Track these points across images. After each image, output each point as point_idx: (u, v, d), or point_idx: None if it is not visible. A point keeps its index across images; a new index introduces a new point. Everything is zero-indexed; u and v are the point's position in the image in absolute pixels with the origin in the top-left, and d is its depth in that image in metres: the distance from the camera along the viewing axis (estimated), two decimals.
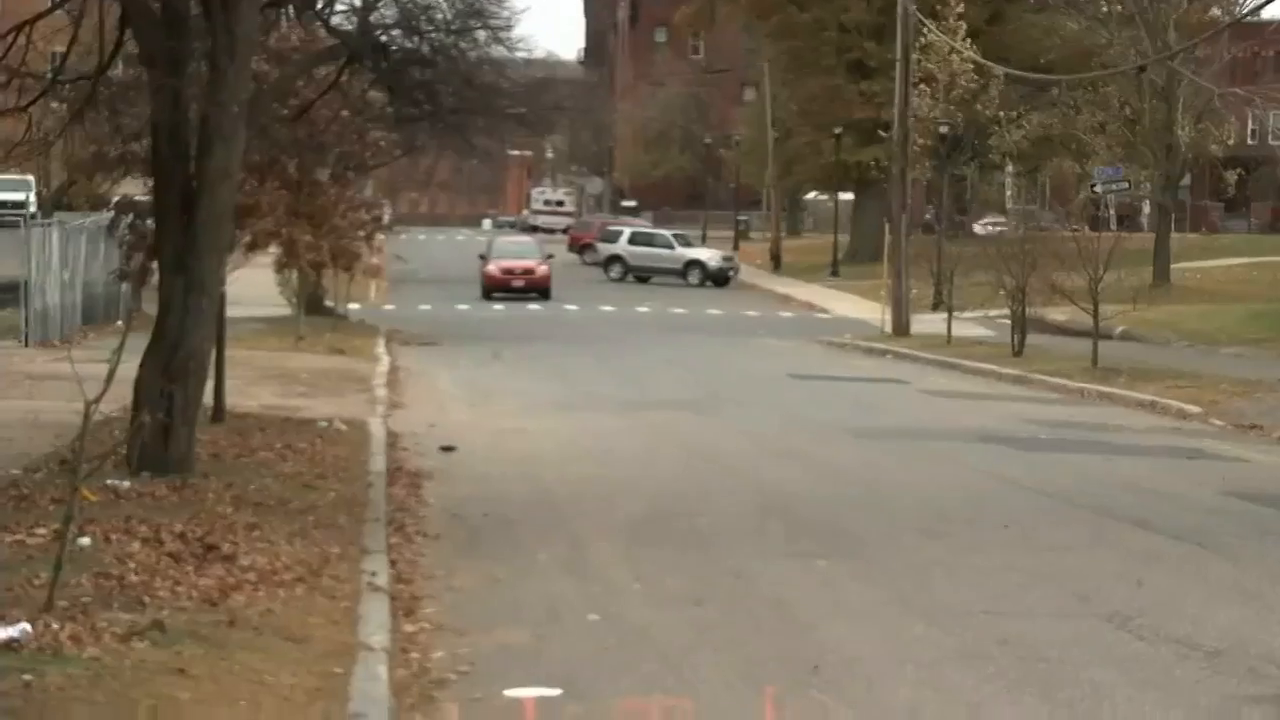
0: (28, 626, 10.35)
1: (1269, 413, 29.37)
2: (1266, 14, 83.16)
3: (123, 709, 8.93)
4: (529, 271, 68.81)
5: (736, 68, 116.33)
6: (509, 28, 25.02)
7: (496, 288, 68.13)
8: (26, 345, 34.67)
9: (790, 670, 11.22)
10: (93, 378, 11.92)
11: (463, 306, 63.07)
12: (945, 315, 48.71)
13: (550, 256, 72.68)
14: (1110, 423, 29.21)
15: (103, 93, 20.60)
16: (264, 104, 21.12)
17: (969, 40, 62.60)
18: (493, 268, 68.95)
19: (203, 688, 9.43)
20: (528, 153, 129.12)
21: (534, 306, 65.16)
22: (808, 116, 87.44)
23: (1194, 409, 30.53)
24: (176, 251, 18.04)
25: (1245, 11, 64.62)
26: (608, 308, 64.57)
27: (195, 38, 18.03)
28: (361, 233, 30.95)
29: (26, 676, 9.43)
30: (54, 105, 24.92)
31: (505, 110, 26.46)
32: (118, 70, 20.90)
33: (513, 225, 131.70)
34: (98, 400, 11.60)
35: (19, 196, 59.41)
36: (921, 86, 59.07)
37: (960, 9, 63.32)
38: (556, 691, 10.52)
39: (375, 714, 9.24)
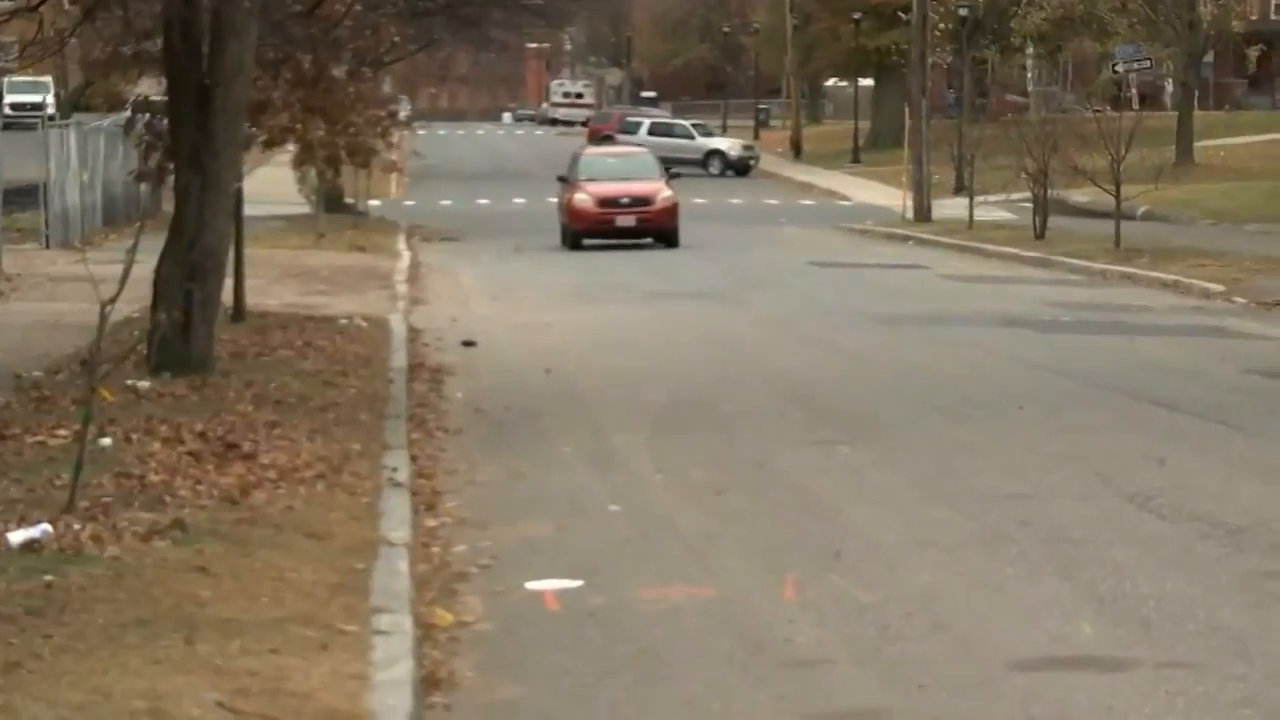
0: (49, 527, 10.38)
1: None
2: None
3: (144, 607, 8.92)
4: (644, 202, 43.57)
5: None
6: None
7: (590, 229, 43.33)
8: (47, 247, 34.71)
9: (812, 556, 11.23)
10: (112, 278, 11.90)
11: (483, 201, 62.78)
12: (967, 200, 48.50)
13: (673, 174, 47.55)
14: (1133, 303, 29.14)
15: None
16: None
17: None
18: (583, 198, 43.31)
19: (224, 585, 9.44)
20: (545, 45, 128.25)
21: (554, 200, 64.03)
22: (827, 1, 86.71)
23: (1217, 288, 30.43)
24: (192, 149, 18.01)
25: None
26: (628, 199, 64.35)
27: None
28: (378, 129, 30.80)
29: (48, 577, 9.44)
30: (67, 5, 24.81)
31: (521, 0, 26.17)
32: None
33: (532, 118, 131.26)
34: (113, 300, 11.59)
35: (37, 98, 58.93)
36: None
37: None
38: (578, 583, 10.54)
39: (396, 608, 9.23)
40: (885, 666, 8.87)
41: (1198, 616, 9.74)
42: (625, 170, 45.94)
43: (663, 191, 43.97)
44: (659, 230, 43.34)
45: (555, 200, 46.51)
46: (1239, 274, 31.92)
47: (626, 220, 43.22)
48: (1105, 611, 9.89)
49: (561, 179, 45.26)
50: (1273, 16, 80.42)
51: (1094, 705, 8.19)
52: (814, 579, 10.63)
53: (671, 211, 43.50)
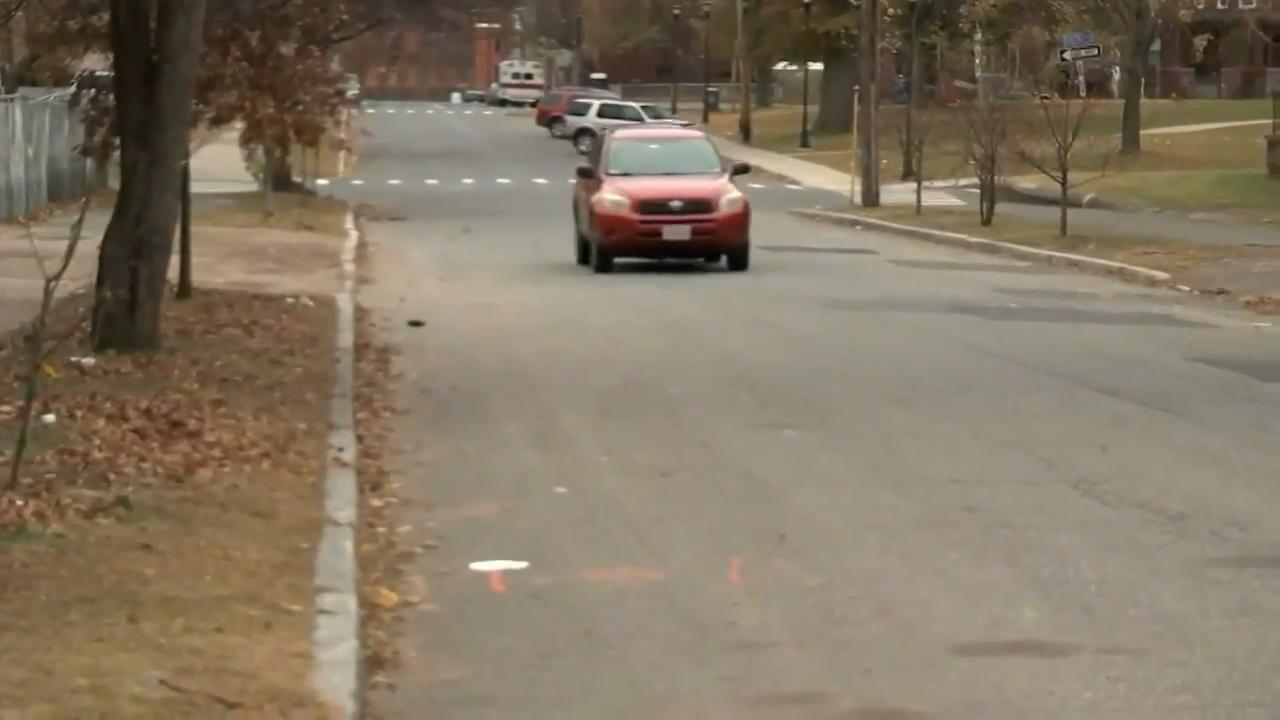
0: None
1: (1236, 278, 29.43)
2: None
3: (88, 584, 8.90)
4: (701, 206, 31.88)
5: None
6: None
7: (626, 244, 31.93)
8: None
9: (757, 540, 11.26)
10: (57, 254, 11.83)
11: (432, 181, 62.62)
12: (915, 185, 48.56)
13: (742, 169, 37.09)
14: (1079, 290, 29.26)
15: None
16: None
17: None
18: (616, 200, 31.64)
19: (168, 563, 9.42)
20: (495, 25, 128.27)
21: (540, 180, 63.71)
22: None
23: (1162, 275, 30.58)
24: (138, 125, 17.92)
25: None
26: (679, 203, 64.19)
27: None
28: (326, 107, 30.70)
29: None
30: None
31: None
32: None
33: (481, 99, 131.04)
34: (58, 276, 11.52)
35: None
36: None
37: None
38: (524, 564, 10.55)
39: (341, 588, 9.24)
40: (829, 650, 8.90)
41: (1139, 602, 9.80)
42: (673, 160, 33.45)
43: (727, 191, 31.44)
44: (724, 245, 31.42)
45: (573, 200, 33.87)
46: (1184, 262, 32.08)
47: (677, 232, 30.67)
48: (1047, 596, 9.93)
49: (583, 172, 33.15)
50: (1220, 5, 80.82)
51: (1035, 689, 8.23)
52: (759, 562, 10.66)
53: (740, 220, 31.27)
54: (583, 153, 79.23)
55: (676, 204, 31.06)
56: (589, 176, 32.48)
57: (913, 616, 9.50)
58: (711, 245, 31.69)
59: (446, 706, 7.98)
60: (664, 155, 34.04)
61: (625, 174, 31.88)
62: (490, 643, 8.96)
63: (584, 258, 32.21)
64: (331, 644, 8.18)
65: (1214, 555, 10.95)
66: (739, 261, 31.55)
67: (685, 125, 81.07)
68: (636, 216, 30.76)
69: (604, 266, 30.94)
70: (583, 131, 79.97)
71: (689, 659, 8.72)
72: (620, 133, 37.62)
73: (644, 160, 33.24)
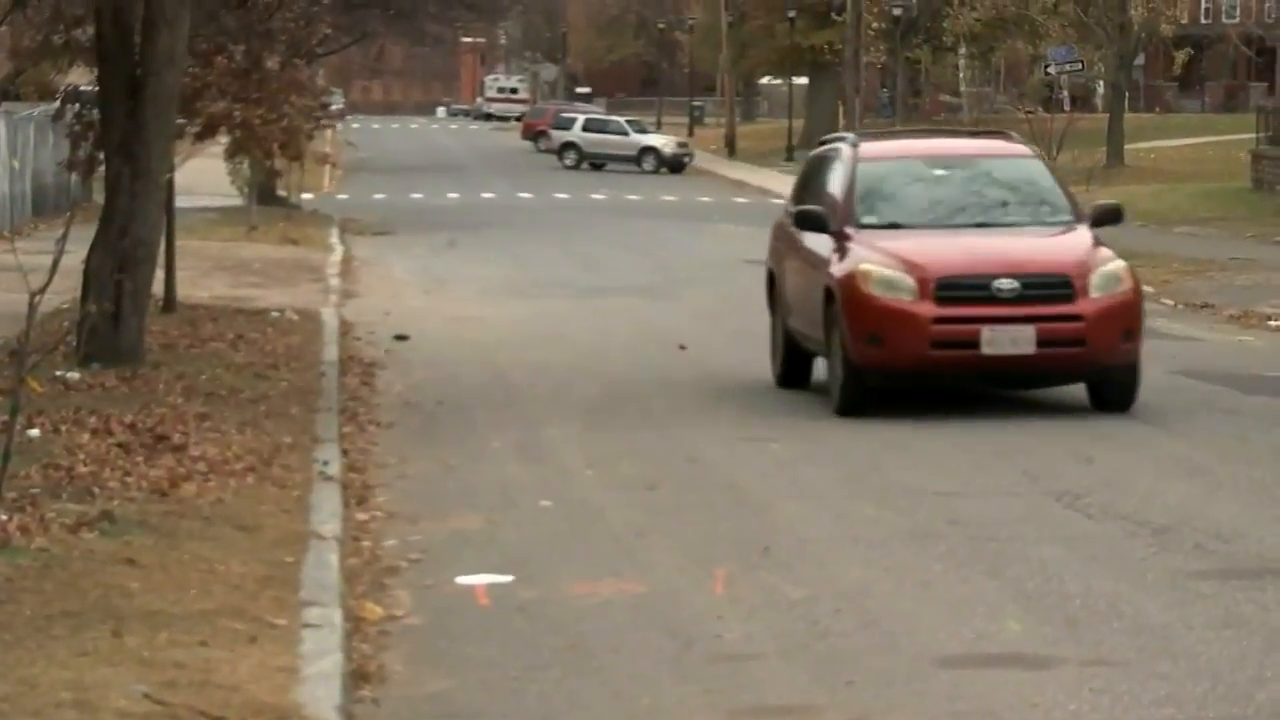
0: None
1: (1220, 291, 29.50)
2: None
3: (72, 598, 8.89)
4: (1054, 290, 17.29)
5: None
6: None
7: (914, 361, 17.16)
8: None
9: (742, 552, 11.27)
10: (41, 268, 11.77)
11: (417, 195, 62.63)
12: None
13: (1111, 215, 19.05)
14: None
15: None
16: None
17: None
18: (886, 274, 17.15)
19: (152, 577, 9.41)
20: (480, 39, 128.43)
21: (525, 194, 63.76)
22: (762, 4, 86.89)
23: (1146, 289, 30.58)
24: (123, 139, 17.93)
25: None
26: (562, 195, 64.32)
27: None
28: (311, 121, 30.76)
29: None
30: None
31: None
32: None
33: (467, 113, 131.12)
34: (43, 290, 11.49)
35: None
36: None
37: None
38: (509, 578, 10.55)
39: (326, 601, 9.23)
40: (813, 662, 8.90)
41: (1123, 614, 9.81)
42: (982, 197, 19.28)
43: (1099, 259, 17.81)
44: (1099, 363, 17.41)
45: (770, 268, 20.60)
46: (1168, 275, 32.16)
47: (1011, 338, 17.13)
48: (1032, 609, 9.94)
49: (804, 219, 18.66)
50: (1203, 20, 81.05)
51: (1019, 702, 8.23)
52: (743, 574, 10.67)
53: (1127, 314, 17.62)
54: (563, 159, 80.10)
55: (1006, 285, 16.94)
56: (813, 226, 18.07)
57: (897, 629, 9.51)
58: (1077, 364, 17.28)
59: (434, 717, 7.98)
60: (965, 189, 19.13)
61: (893, 225, 17.89)
62: (475, 656, 8.95)
63: (794, 372, 18.82)
64: (316, 657, 8.16)
65: (1197, 567, 10.97)
66: (1124, 395, 17.29)
67: (680, 143, 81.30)
68: (929, 310, 16.95)
69: (858, 403, 16.88)
70: (568, 146, 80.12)
71: (674, 671, 8.72)
72: (867, 148, 19.40)
73: (929, 199, 18.85)
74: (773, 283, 20.11)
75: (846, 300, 16.92)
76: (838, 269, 17.33)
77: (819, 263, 17.92)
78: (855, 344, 16.78)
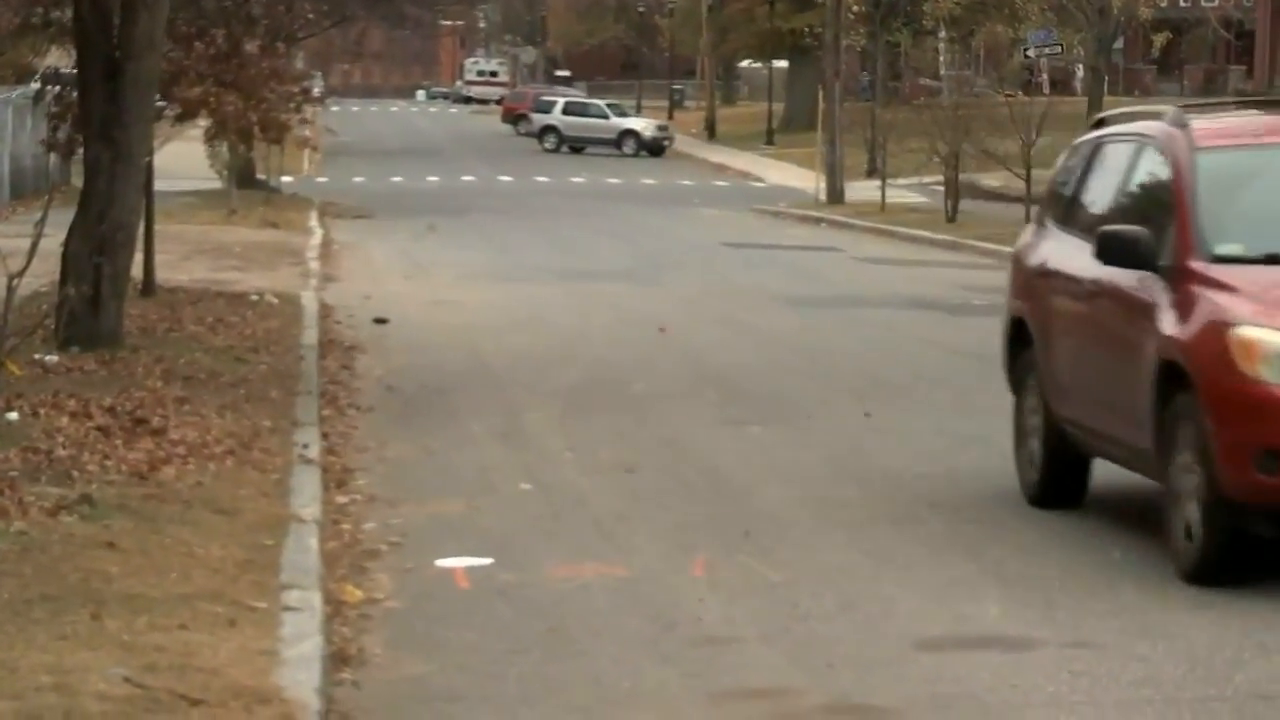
0: None
1: None
2: None
3: (51, 582, 8.87)
4: None
5: None
6: None
7: None
8: None
9: (722, 536, 11.28)
10: (20, 252, 11.84)
11: (397, 179, 62.52)
12: (879, 182, 48.72)
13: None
14: None
15: None
16: None
17: None
18: None
19: (132, 560, 9.39)
20: (460, 22, 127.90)
21: (505, 178, 63.58)
22: None
23: None
24: (102, 122, 17.86)
25: None
26: (543, 178, 64.26)
27: None
28: (291, 104, 30.70)
29: None
30: None
31: None
32: None
33: (446, 96, 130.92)
34: (21, 274, 11.52)
35: None
36: None
37: None
38: (488, 561, 10.56)
39: (306, 584, 9.23)
40: (793, 645, 8.94)
41: (1101, 596, 9.85)
42: None
43: None
44: None
45: (1013, 322, 13.49)
46: None
47: None
48: (1011, 591, 9.97)
49: (1116, 244, 11.20)
50: (1182, 3, 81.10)
51: (998, 684, 8.27)
52: (724, 558, 10.69)
53: None
54: (543, 142, 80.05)
55: None
56: (1127, 258, 11.31)
57: (877, 612, 9.54)
58: None
59: (411, 703, 7.98)
60: None
61: (1272, 258, 10.88)
62: (455, 639, 8.96)
63: (1062, 485, 12.56)
64: (296, 641, 8.16)
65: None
66: None
67: (660, 126, 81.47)
68: None
69: (1231, 564, 10.17)
70: (548, 129, 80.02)
71: (654, 654, 8.74)
72: (1215, 125, 12.21)
73: None
74: (1021, 338, 13.11)
75: (1214, 387, 10.19)
76: (1186, 332, 10.56)
77: (1141, 318, 11.16)
78: (1232, 465, 10.02)
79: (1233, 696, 8.17)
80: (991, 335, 22.23)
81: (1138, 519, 11.62)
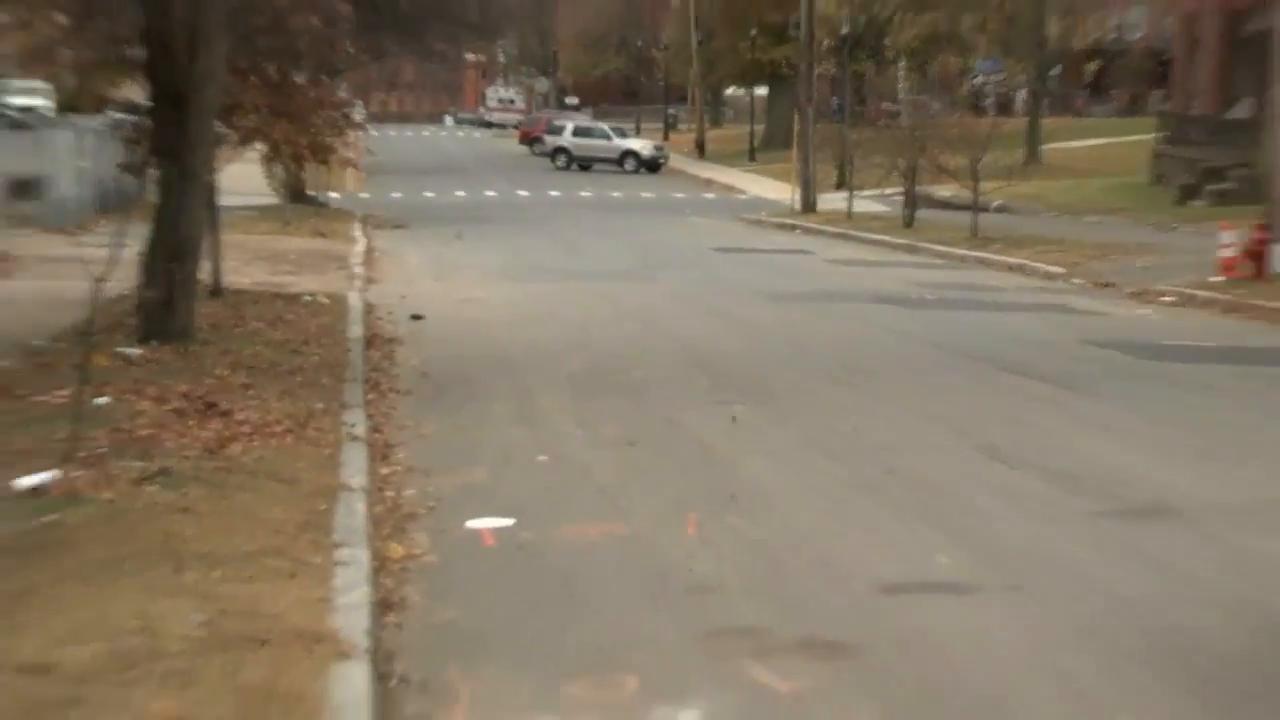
0: (52, 474, 10.38)
1: (1121, 272, 29.64)
2: None
3: (136, 542, 8.92)
4: None
5: None
6: None
7: None
8: (47, 232, 34.28)
9: (710, 501, 11.34)
10: (105, 260, 11.86)
11: (428, 194, 62.38)
12: (846, 194, 48.67)
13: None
14: (987, 284, 29.42)
15: (99, 4, 20.27)
16: (243, 14, 20.86)
17: None
18: None
19: (205, 523, 9.46)
20: (481, 57, 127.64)
21: (522, 193, 63.45)
22: (727, 20, 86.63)
23: (1058, 270, 30.77)
24: (171, 146, 17.88)
25: None
26: (555, 193, 64.09)
27: None
28: (335, 129, 30.69)
29: (52, 516, 9.46)
30: (59, 18, 24.54)
31: (459, 17, 26.12)
32: None
33: (471, 121, 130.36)
34: (104, 279, 11.57)
35: (37, 102, 57.69)
36: None
37: None
38: (510, 521, 10.61)
39: (355, 543, 9.29)
40: (772, 593, 9.01)
41: (1039, 549, 9.96)
42: None
43: None
44: None
45: None
46: (1077, 259, 32.27)
47: None
48: (959, 545, 10.07)
49: None
50: (1111, 35, 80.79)
51: (948, 625, 8.37)
52: (712, 519, 10.75)
53: None
54: (555, 161, 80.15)
55: None
56: None
57: (844, 564, 9.62)
58: None
59: (445, 642, 8.04)
60: None
61: None
62: (482, 589, 9.03)
63: None
64: (347, 590, 8.23)
65: (1103, 509, 11.12)
66: None
67: (658, 146, 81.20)
68: None
69: None
70: (559, 150, 79.82)
71: (651, 602, 8.81)
72: None
73: None
74: None
75: None
76: None
77: None
78: None
79: (1152, 634, 8.21)
80: (945, 325, 22.48)
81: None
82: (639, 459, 12.96)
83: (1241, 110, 44.66)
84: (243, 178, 49.08)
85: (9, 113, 39.01)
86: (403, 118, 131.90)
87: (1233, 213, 33.84)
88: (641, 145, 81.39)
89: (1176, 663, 7.80)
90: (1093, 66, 71.53)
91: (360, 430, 13.28)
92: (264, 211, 43.16)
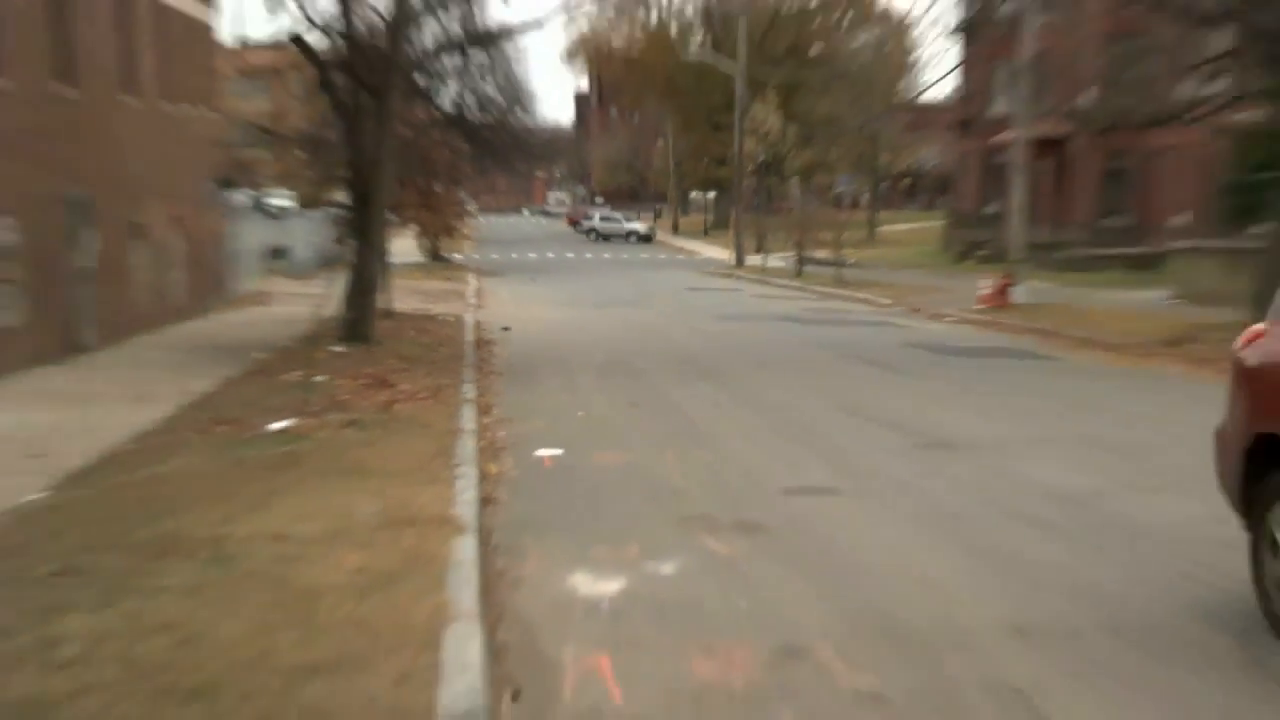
0: (291, 421, 10.39)
1: (927, 304, 29.46)
2: (928, 96, 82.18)
3: (341, 463, 8.96)
4: None
5: (654, 126, 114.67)
6: (533, 108, 24.61)
7: None
8: (289, 279, 34.21)
9: (682, 439, 11.29)
10: (322, 295, 11.82)
11: (513, 255, 62.25)
12: (762, 255, 48.50)
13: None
14: (845, 309, 29.29)
15: (321, 146, 20.34)
16: (403, 151, 20.86)
17: (779, 104, 62.11)
18: None
19: (378, 451, 9.46)
20: (545, 173, 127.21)
21: (569, 255, 63.50)
22: (691, 153, 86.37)
23: (887, 301, 30.60)
24: (360, 227, 17.90)
25: (914, 95, 64.29)
26: (588, 255, 63.75)
27: (367, 118, 17.76)
28: (457, 217, 30.72)
29: (290, 446, 9.48)
30: (299, 154, 24.51)
31: (532, 151, 26.08)
32: (329, 131, 20.60)
33: (538, 212, 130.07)
34: (321, 306, 11.53)
35: (285, 202, 57.49)
36: (750, 137, 58.44)
37: (772, 95, 62.67)
38: (560, 451, 10.57)
39: (467, 463, 9.27)
40: (717, 494, 8.96)
41: (880, 470, 9.90)
42: None
43: None
44: None
45: (1256, 435, 5.70)
46: (898, 295, 32.10)
47: None
48: (830, 465, 9.99)
49: None
50: (916, 164, 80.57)
51: (822, 512, 8.32)
52: (684, 451, 10.69)
53: None
54: (589, 236, 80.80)
55: None
56: None
57: (760, 476, 9.56)
58: None
59: (520, 524, 7.99)
60: None
61: None
62: (544, 491, 8.98)
63: None
64: (462, 492, 8.19)
65: (913, 443, 11.05)
66: None
67: (649, 227, 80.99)
68: None
69: None
70: (591, 229, 79.63)
71: (646, 498, 8.76)
72: None
73: None
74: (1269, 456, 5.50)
75: None
76: None
77: None
78: None
79: (955, 522, 8.18)
80: (820, 333, 22.40)
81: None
82: (639, 415, 12.90)
83: (992, 207, 44.60)
84: (403, 246, 48.97)
85: (269, 209, 38.75)
86: (497, 209, 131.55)
87: (988, 268, 33.72)
88: (640, 226, 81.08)
89: (951, 529, 7.77)
90: (907, 181, 71.38)
91: (471, 395, 13.25)
92: (416, 266, 43.02)
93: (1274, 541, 5.24)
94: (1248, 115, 19.03)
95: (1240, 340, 5.79)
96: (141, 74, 19.30)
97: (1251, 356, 5.58)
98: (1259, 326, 5.70)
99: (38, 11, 14.53)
